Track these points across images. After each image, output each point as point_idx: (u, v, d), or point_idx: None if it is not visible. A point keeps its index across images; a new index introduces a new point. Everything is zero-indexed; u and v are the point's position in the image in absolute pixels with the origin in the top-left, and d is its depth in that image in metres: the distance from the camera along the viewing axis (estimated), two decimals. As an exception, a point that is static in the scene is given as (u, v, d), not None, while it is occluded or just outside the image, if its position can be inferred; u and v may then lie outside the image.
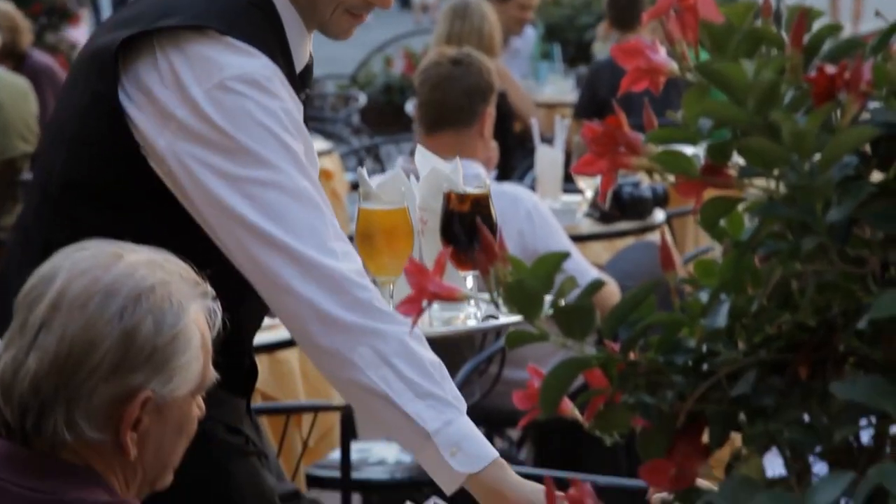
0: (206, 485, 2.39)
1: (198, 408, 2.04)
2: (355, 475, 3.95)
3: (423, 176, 2.97)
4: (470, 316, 2.84)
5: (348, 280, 2.24)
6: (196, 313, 2.00)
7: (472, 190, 2.85)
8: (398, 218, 2.80)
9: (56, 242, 2.06)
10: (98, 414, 1.94)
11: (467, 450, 2.21)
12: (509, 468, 2.23)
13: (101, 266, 1.97)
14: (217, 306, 2.04)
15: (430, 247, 2.92)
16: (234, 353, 2.45)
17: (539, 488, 2.20)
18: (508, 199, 4.35)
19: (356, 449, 4.17)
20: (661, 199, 5.30)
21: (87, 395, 1.93)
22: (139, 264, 1.98)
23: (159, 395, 1.96)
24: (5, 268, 2.42)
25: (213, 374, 2.03)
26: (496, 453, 2.22)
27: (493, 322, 2.82)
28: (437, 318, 2.85)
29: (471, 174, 3.73)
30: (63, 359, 1.93)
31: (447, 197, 2.85)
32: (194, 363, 1.98)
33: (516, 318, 1.34)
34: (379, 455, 4.30)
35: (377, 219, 2.80)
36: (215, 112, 2.26)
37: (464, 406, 2.26)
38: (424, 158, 3.01)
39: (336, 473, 3.85)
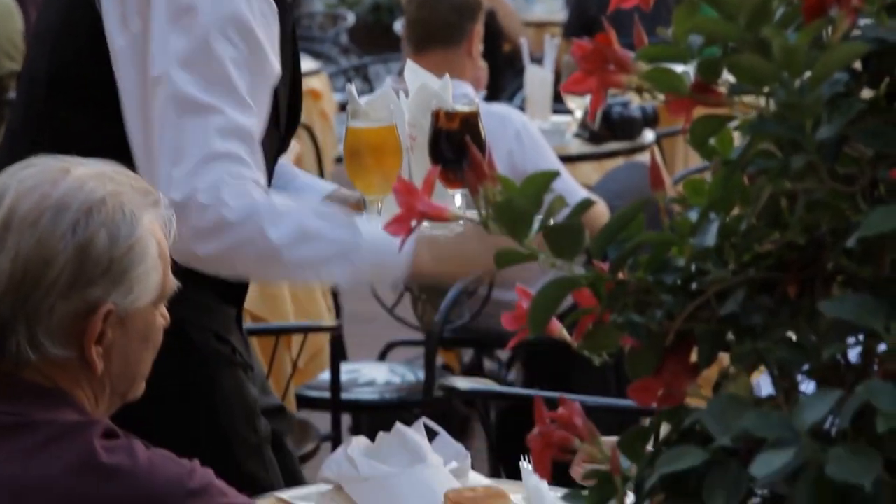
0: (190, 391, 2.41)
1: (162, 317, 2.03)
2: (345, 396, 3.97)
3: (413, 92, 2.95)
4: (459, 236, 2.83)
5: (199, 205, 2.27)
6: (151, 223, 1.97)
7: (461, 107, 2.83)
8: (386, 135, 2.78)
9: (42, 142, 2.06)
10: (60, 330, 1.92)
11: (383, 270, 2.34)
12: (424, 245, 2.33)
13: (50, 181, 1.94)
14: (172, 214, 2.02)
15: (419, 164, 2.90)
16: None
17: (471, 231, 2.32)
18: (497, 119, 4.33)
19: (346, 370, 4.18)
20: (650, 119, 5.28)
21: (47, 313, 1.91)
22: (88, 177, 1.95)
23: (121, 308, 1.94)
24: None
25: (174, 283, 2.02)
26: (406, 253, 2.30)
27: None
28: (426, 239, 2.84)
29: (459, 94, 3.71)
30: (19, 278, 1.91)
31: (436, 115, 2.82)
32: (153, 273, 1.97)
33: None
34: (368, 376, 4.31)
35: (365, 136, 2.78)
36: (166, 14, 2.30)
37: (354, 224, 2.33)
38: (414, 74, 2.98)
39: (326, 394, 3.86)
